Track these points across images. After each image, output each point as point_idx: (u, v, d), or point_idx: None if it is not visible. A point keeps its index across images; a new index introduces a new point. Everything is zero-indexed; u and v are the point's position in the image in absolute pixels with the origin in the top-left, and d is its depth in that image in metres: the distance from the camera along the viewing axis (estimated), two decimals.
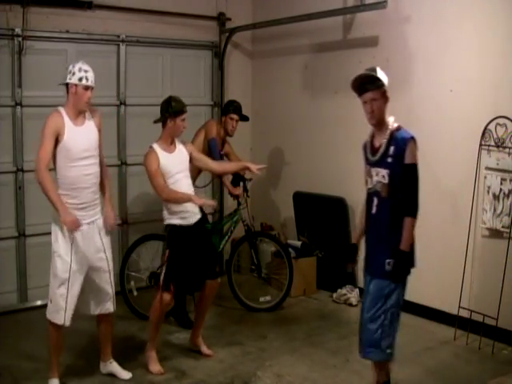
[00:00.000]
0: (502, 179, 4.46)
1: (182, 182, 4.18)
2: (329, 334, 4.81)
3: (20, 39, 5.09)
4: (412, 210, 3.22)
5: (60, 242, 3.70)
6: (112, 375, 4.04)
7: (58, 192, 3.65)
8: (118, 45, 5.73)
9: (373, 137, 3.36)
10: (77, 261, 3.71)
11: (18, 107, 5.19)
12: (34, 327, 4.79)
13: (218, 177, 5.57)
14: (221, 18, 6.42)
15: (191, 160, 4.31)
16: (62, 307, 3.70)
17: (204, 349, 4.43)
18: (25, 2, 5.06)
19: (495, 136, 4.50)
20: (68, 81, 3.69)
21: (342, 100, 5.55)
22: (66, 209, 3.62)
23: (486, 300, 4.52)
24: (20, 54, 5.12)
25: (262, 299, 5.53)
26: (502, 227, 4.46)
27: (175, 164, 4.17)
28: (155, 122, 4.28)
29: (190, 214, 4.19)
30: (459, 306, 4.69)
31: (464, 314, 4.67)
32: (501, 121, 4.45)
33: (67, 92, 3.73)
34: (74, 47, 5.42)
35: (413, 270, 5.15)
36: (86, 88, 3.68)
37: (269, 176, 6.65)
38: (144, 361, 4.19)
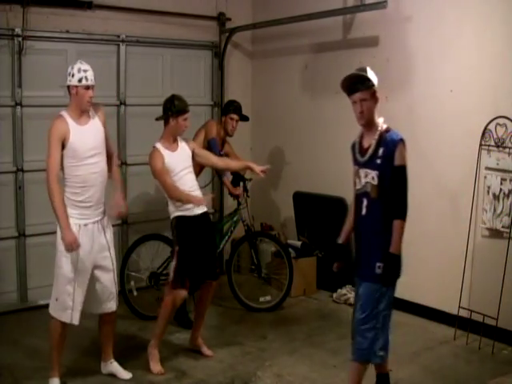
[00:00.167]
0: (502, 179, 4.46)
1: (186, 178, 4.21)
2: (329, 334, 4.81)
3: (20, 39, 5.09)
4: (401, 212, 3.21)
5: None
6: (112, 375, 4.04)
7: (65, 209, 3.66)
8: (118, 45, 5.73)
9: (361, 137, 3.34)
10: (83, 260, 3.73)
11: (18, 107, 5.19)
12: (35, 327, 4.79)
13: (218, 176, 5.57)
14: (221, 18, 6.42)
15: (194, 157, 4.33)
16: (69, 306, 3.72)
17: (204, 349, 4.44)
18: (25, 2, 5.06)
19: (495, 136, 4.50)
20: (68, 83, 3.71)
21: (342, 100, 5.45)
22: (68, 227, 3.65)
23: (486, 300, 4.52)
24: (20, 54, 5.12)
25: (261, 299, 5.53)
26: (502, 227, 4.46)
27: (179, 162, 4.20)
28: (157, 119, 4.31)
29: (192, 206, 4.21)
30: (459, 306, 4.69)
31: (464, 314, 4.67)
32: (501, 121, 4.45)
33: (69, 94, 3.74)
34: (74, 47, 5.42)
35: (413, 270, 5.18)
36: (87, 87, 3.69)
37: (269, 176, 6.58)
38: (144, 361, 4.19)
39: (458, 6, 4.69)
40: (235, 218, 5.51)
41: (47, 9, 5.25)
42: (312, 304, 5.59)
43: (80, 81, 3.67)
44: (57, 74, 5.23)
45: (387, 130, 3.25)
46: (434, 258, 4.97)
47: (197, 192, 4.25)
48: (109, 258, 3.89)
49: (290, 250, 5.68)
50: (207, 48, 6.44)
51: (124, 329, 4.79)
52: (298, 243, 5.91)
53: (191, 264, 4.16)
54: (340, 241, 3.49)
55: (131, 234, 5.87)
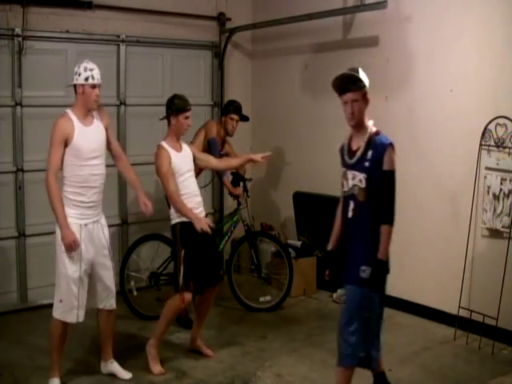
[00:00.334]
0: (502, 179, 4.46)
1: (190, 181, 4.22)
2: (329, 334, 4.80)
3: (20, 39, 5.09)
4: (388, 217, 3.16)
5: None
6: (112, 375, 4.04)
7: (64, 208, 3.67)
8: (118, 45, 5.73)
9: (350, 139, 3.31)
10: (85, 259, 3.75)
11: (18, 107, 5.19)
12: (35, 327, 4.79)
13: (218, 176, 5.57)
14: (221, 18, 6.42)
15: (195, 161, 4.34)
16: (74, 306, 3.74)
17: (204, 349, 4.43)
18: (25, 2, 5.06)
19: (495, 136, 4.50)
20: (75, 82, 3.72)
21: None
22: (66, 224, 3.66)
23: (486, 300, 4.52)
24: (20, 54, 5.12)
25: (261, 299, 5.53)
26: (502, 227, 4.46)
27: (184, 163, 4.21)
28: (161, 119, 4.31)
29: (197, 212, 4.21)
30: (459, 306, 4.69)
31: (464, 314, 4.67)
32: (501, 121, 4.45)
33: (75, 93, 3.74)
34: (74, 47, 5.43)
35: (413, 270, 5.19)
36: (93, 86, 3.71)
37: (269, 176, 6.65)
38: (144, 361, 4.19)
39: (458, 6, 4.69)
40: (235, 218, 5.51)
41: (47, 9, 5.25)
42: (312, 304, 5.59)
43: (87, 79, 3.68)
44: (57, 73, 5.25)
45: (377, 133, 3.22)
46: (434, 257, 4.97)
47: (198, 198, 4.25)
48: (108, 257, 3.92)
49: (290, 250, 5.68)
50: (207, 48, 6.44)
51: (124, 329, 4.78)
52: (298, 243, 5.91)
53: (197, 268, 4.16)
54: (330, 247, 3.46)
55: (131, 234, 5.87)
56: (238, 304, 5.44)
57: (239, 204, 5.50)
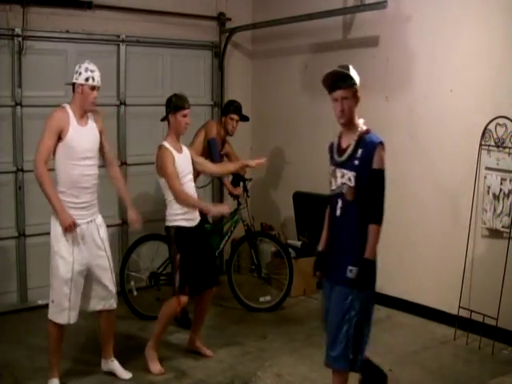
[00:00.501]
0: (502, 179, 4.46)
1: (189, 185, 4.22)
2: None
3: (20, 39, 5.10)
4: (377, 217, 3.12)
5: (61, 243, 3.71)
6: (112, 374, 4.05)
7: (56, 189, 3.66)
8: (118, 45, 5.73)
9: (340, 137, 3.28)
10: (79, 260, 3.73)
11: (18, 107, 5.19)
12: (34, 327, 4.79)
13: (218, 178, 5.57)
14: (221, 18, 6.42)
15: (192, 164, 4.33)
16: (65, 307, 3.72)
17: (203, 350, 4.44)
18: (25, 2, 5.06)
19: (495, 136, 4.50)
20: (75, 81, 3.72)
21: None
22: (62, 207, 3.64)
23: (486, 300, 4.52)
24: (20, 54, 5.12)
25: (261, 299, 5.53)
26: (502, 227, 4.46)
27: (185, 165, 4.21)
28: (161, 120, 4.32)
29: (193, 216, 4.22)
30: (459, 306, 4.69)
31: (464, 314, 4.67)
32: (501, 121, 4.45)
33: (73, 92, 3.74)
34: (74, 47, 5.43)
35: (413, 270, 5.19)
36: (93, 88, 3.70)
37: (269, 176, 6.65)
38: (144, 361, 4.19)
39: (458, 6, 4.69)
40: (235, 218, 5.51)
41: (47, 9, 5.25)
42: (312, 304, 5.59)
43: (87, 80, 3.68)
44: (57, 74, 5.25)
45: (367, 132, 3.18)
46: (434, 257, 4.97)
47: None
48: (105, 257, 3.89)
49: (290, 250, 5.68)
50: (207, 48, 6.44)
51: (124, 329, 4.78)
52: (298, 243, 5.90)
53: (193, 272, 4.16)
54: (320, 248, 3.42)
55: (131, 234, 5.86)
56: (238, 304, 5.44)
57: (239, 204, 5.50)
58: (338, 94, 3.15)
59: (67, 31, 5.37)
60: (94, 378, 4.03)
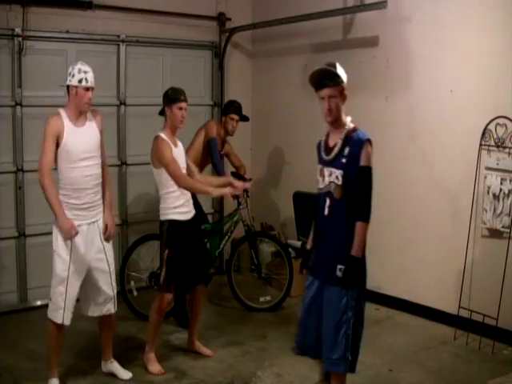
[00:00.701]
0: (502, 179, 4.46)
1: None
2: None
3: (20, 39, 5.09)
4: (364, 214, 3.10)
5: (59, 242, 3.71)
6: (112, 375, 4.05)
7: (58, 197, 3.66)
8: (118, 45, 5.73)
9: (327, 136, 3.27)
10: (76, 260, 3.72)
11: (18, 107, 5.19)
12: (34, 327, 4.80)
13: (217, 175, 5.56)
14: (221, 18, 6.42)
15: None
16: (60, 306, 3.71)
17: (203, 349, 4.44)
18: (25, 2, 5.06)
19: (495, 136, 4.50)
20: (68, 83, 3.71)
21: None
22: (63, 215, 3.64)
23: (486, 300, 4.52)
24: (20, 54, 5.12)
25: (261, 299, 5.53)
26: (502, 227, 4.46)
27: (180, 158, 4.16)
28: (159, 113, 4.31)
29: (187, 209, 4.19)
30: (459, 306, 4.69)
31: (464, 313, 4.67)
32: (501, 121, 4.45)
33: (68, 94, 3.74)
34: (74, 47, 5.42)
35: (413, 270, 5.18)
36: (87, 89, 3.69)
37: (269, 176, 6.65)
38: (144, 361, 4.19)
39: (458, 5, 4.69)
40: (235, 218, 5.51)
41: (47, 9, 5.24)
42: None
43: (80, 81, 3.67)
44: (57, 74, 5.23)
45: (354, 130, 3.17)
46: (434, 257, 4.97)
47: (187, 196, 4.19)
48: (104, 260, 3.87)
49: (290, 250, 5.68)
50: (207, 48, 6.44)
51: (124, 329, 4.78)
52: (298, 243, 5.89)
53: (181, 269, 4.13)
54: (308, 246, 3.41)
55: (131, 234, 5.87)
56: (238, 304, 5.44)
57: (239, 204, 5.50)
58: (325, 92, 3.13)
59: (67, 31, 5.37)
60: (94, 379, 4.03)
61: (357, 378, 3.96)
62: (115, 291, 3.96)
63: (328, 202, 3.18)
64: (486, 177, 4.57)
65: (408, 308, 5.18)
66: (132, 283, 5.19)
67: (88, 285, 3.84)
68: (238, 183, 4.33)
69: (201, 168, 5.21)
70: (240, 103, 5.40)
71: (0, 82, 5.12)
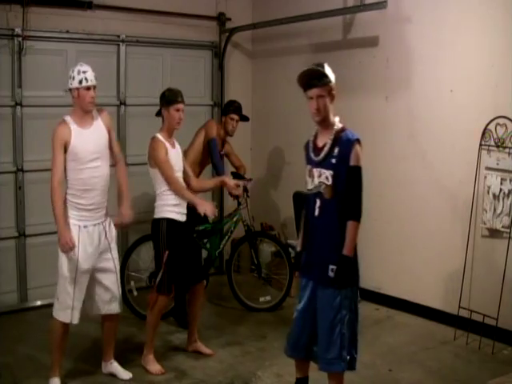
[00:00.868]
0: (502, 179, 4.46)
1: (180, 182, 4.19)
2: None
3: (20, 39, 5.09)
4: (355, 213, 3.12)
5: None
6: (112, 375, 4.05)
7: (64, 213, 3.68)
8: (118, 45, 5.73)
9: (315, 136, 3.27)
10: (83, 260, 3.74)
11: (18, 107, 5.19)
12: (34, 327, 4.79)
13: (217, 175, 5.56)
14: (221, 18, 6.42)
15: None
16: (69, 305, 3.73)
17: (203, 349, 4.44)
18: (25, 2, 5.06)
19: (495, 136, 4.50)
20: (70, 86, 3.72)
21: (341, 100, 5.50)
22: (64, 228, 3.65)
23: (486, 300, 4.52)
24: (20, 54, 5.12)
25: (261, 299, 5.53)
26: (502, 227, 4.46)
27: (177, 160, 4.17)
28: (156, 114, 4.31)
29: (183, 211, 4.19)
30: (459, 306, 4.69)
31: (464, 313, 4.67)
32: (501, 121, 4.45)
33: (72, 97, 3.75)
34: (74, 47, 5.42)
35: (413, 270, 5.18)
36: (88, 88, 3.70)
37: (269, 176, 6.65)
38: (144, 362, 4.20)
39: (458, 5, 4.69)
40: (235, 218, 5.51)
41: (47, 9, 5.24)
42: None
43: (80, 82, 3.68)
44: (57, 73, 5.25)
45: (343, 129, 3.18)
46: (434, 257, 4.97)
47: (183, 203, 4.19)
48: (111, 260, 3.90)
49: (290, 250, 5.67)
50: (207, 48, 6.44)
51: (124, 329, 4.77)
52: None
53: (180, 269, 4.14)
54: (299, 248, 3.41)
55: (131, 234, 5.86)
56: (238, 304, 5.44)
57: (239, 204, 5.50)
58: (314, 92, 3.15)
59: (67, 31, 5.37)
60: (94, 379, 4.03)
61: (356, 378, 3.95)
62: (120, 291, 3.99)
63: (318, 202, 3.18)
64: (485, 177, 4.57)
65: (408, 308, 5.18)
66: (132, 283, 5.19)
67: (94, 284, 3.86)
68: (230, 181, 4.40)
69: (201, 168, 5.21)
70: (240, 103, 5.40)
71: (0, 82, 5.12)
